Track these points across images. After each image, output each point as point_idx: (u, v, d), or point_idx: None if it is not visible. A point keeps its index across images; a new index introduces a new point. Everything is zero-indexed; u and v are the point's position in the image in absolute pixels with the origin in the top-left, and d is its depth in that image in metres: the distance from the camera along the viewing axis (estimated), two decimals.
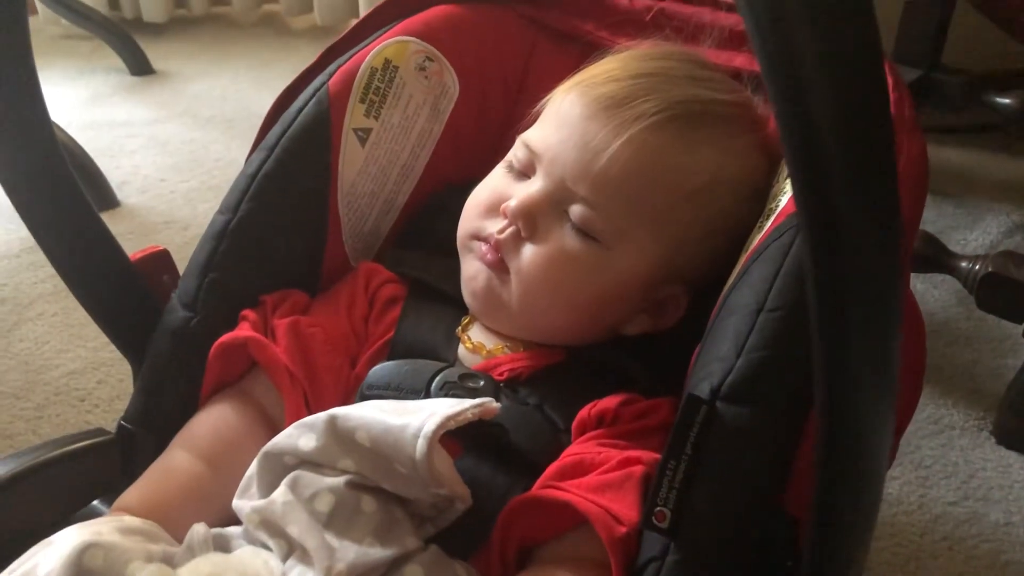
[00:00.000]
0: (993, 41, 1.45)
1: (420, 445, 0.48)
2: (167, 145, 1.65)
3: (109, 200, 1.44)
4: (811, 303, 0.32)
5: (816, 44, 0.28)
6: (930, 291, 1.21)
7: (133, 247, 1.31)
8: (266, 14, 2.32)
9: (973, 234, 1.36)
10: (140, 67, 1.97)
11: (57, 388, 1.06)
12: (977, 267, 0.95)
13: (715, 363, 0.50)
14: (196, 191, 1.48)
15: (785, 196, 0.55)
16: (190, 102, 1.85)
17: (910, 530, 0.87)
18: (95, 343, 1.12)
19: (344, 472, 0.51)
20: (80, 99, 1.85)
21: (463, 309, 0.66)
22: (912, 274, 1.18)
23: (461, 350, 0.64)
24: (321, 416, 0.51)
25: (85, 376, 1.08)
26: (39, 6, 2.12)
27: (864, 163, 0.28)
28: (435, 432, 0.48)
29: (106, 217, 1.37)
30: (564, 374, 0.61)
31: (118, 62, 1.98)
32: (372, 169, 0.70)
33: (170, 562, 0.50)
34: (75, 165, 1.47)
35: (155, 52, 2.04)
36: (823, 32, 0.28)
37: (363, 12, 2.06)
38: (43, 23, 2.19)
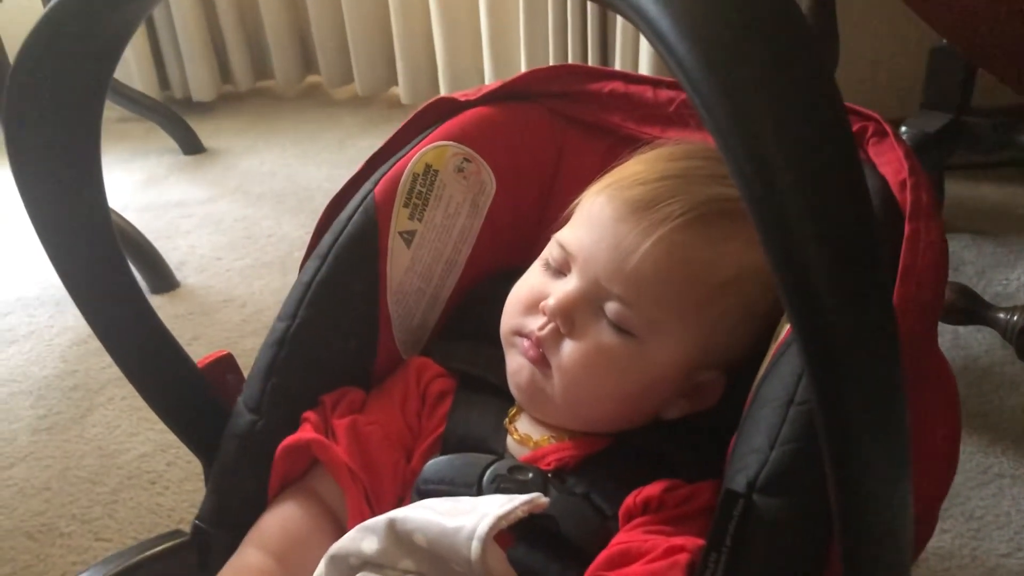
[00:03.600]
0: None
1: (475, 547, 0.51)
2: (221, 223, 1.72)
3: (169, 282, 1.51)
4: (819, 430, 0.35)
5: (805, 208, 0.31)
6: (973, 335, 1.21)
7: (195, 327, 1.37)
8: (309, 86, 2.40)
9: (1015, 272, 1.36)
10: (192, 146, 2.06)
11: (129, 472, 1.11)
12: (1015, 318, 0.96)
13: (750, 455, 0.53)
14: (251, 268, 1.54)
15: None
16: (241, 179, 1.92)
17: None
18: (162, 425, 1.16)
19: (405, 572, 0.54)
20: (136, 182, 1.94)
21: (510, 399, 0.69)
22: None
23: (509, 441, 0.67)
24: (381, 519, 0.55)
25: (155, 459, 1.13)
26: None
27: (860, 311, 0.32)
28: (488, 533, 0.52)
29: (167, 299, 1.46)
30: (609, 461, 0.64)
31: (171, 142, 2.07)
32: (418, 267, 0.74)
33: None
34: (135, 249, 1.53)
35: (205, 130, 2.13)
36: (813, 197, 0.31)
37: (401, 80, 2.13)
38: None
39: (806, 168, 0.30)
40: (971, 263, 1.38)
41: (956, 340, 1.20)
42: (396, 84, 2.19)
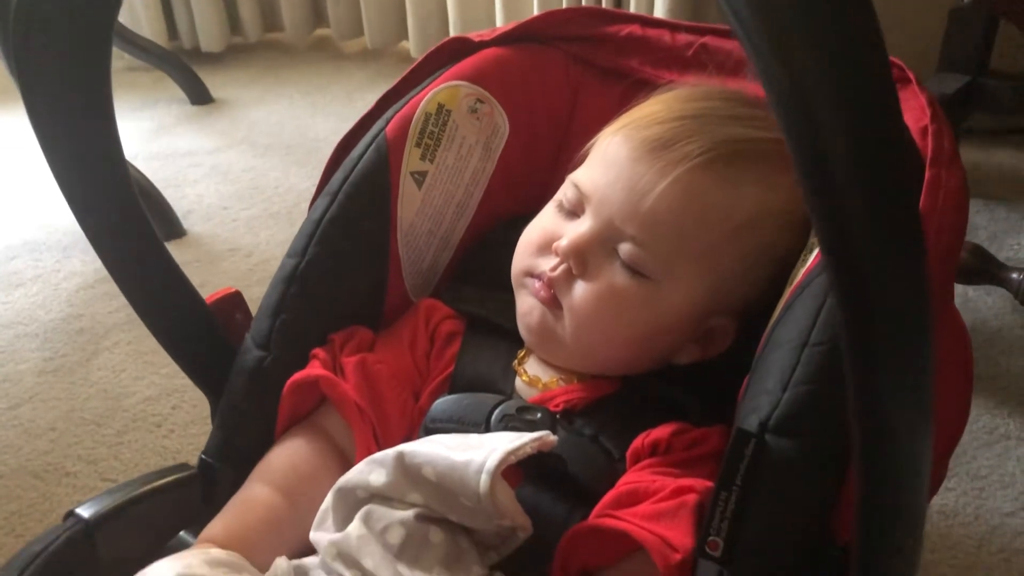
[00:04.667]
0: None
1: (483, 480, 0.51)
2: (228, 173, 1.71)
3: (176, 230, 1.50)
4: (844, 353, 0.35)
5: (840, 125, 0.30)
6: (983, 298, 1.21)
7: (200, 275, 1.36)
8: (318, 38, 2.38)
9: None
10: (200, 96, 2.04)
11: (135, 415, 1.12)
12: None
13: (762, 396, 0.52)
14: (258, 218, 1.53)
15: None
16: (249, 129, 1.91)
17: (967, 542, 0.88)
18: (168, 370, 1.18)
19: (413, 505, 0.54)
20: (144, 131, 1.93)
21: (519, 342, 0.69)
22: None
23: (518, 382, 0.67)
24: (390, 452, 0.55)
25: (160, 402, 1.13)
26: None
27: (890, 235, 0.31)
28: (497, 467, 0.51)
29: (173, 246, 1.46)
30: (618, 404, 0.64)
31: (179, 92, 2.05)
32: (429, 209, 0.73)
33: None
34: (143, 197, 1.54)
35: (213, 81, 2.11)
36: (844, 105, 0.31)
37: (411, 34, 2.11)
38: None
39: (841, 81, 0.30)
40: (983, 228, 1.37)
41: (966, 303, 1.20)
42: (406, 38, 2.16)
